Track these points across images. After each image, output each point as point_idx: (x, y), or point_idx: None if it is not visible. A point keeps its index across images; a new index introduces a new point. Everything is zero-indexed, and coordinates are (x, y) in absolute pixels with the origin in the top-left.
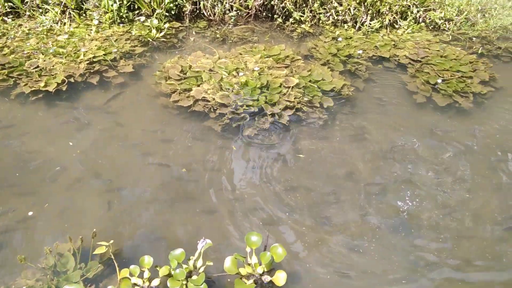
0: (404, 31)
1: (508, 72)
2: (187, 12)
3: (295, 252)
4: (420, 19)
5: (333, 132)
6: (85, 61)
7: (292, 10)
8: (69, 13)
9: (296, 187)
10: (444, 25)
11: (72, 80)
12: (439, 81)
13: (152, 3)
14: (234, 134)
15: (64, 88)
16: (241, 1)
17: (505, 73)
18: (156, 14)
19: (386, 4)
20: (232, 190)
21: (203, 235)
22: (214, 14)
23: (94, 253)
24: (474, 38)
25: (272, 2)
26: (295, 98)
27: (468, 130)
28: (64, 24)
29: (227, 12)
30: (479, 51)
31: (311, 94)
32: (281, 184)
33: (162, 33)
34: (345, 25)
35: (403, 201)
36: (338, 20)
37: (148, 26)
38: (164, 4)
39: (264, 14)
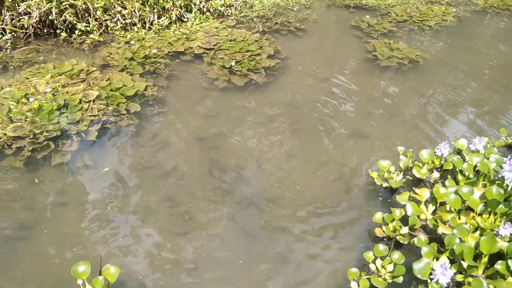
0: (192, 23)
1: (288, 43)
2: None
3: (134, 267)
4: (205, 9)
5: (145, 134)
6: None
7: (75, 22)
8: None
9: (114, 203)
10: (227, 11)
11: None
12: (233, 63)
13: None
14: (42, 165)
15: None
16: (14, 22)
17: (285, 44)
18: None
19: (169, 0)
20: (48, 226)
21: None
22: None
23: None
24: (254, 19)
25: (51, 17)
26: (99, 111)
27: (267, 100)
28: None
29: (0, 36)
30: (261, 29)
31: (115, 102)
32: (96, 204)
33: None
34: (135, 27)
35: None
36: (126, 23)
37: None
38: None
39: (45, 31)
